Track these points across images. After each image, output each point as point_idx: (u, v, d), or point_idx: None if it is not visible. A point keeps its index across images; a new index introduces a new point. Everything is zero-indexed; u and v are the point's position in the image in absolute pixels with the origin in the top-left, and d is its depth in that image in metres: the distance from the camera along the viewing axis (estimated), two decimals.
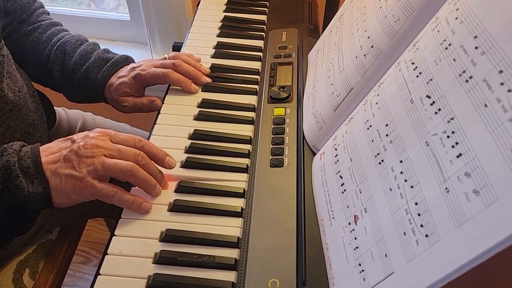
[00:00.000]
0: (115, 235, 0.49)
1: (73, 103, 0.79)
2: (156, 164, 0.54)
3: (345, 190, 0.46)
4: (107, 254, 0.47)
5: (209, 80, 0.71)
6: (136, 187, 0.53)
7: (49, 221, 0.73)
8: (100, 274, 0.45)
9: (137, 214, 0.51)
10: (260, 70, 0.75)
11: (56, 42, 0.73)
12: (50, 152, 0.52)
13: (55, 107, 0.81)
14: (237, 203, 0.52)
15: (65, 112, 0.86)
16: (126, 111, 0.72)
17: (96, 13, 1.28)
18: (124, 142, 0.53)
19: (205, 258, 0.46)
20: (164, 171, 0.55)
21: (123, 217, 0.51)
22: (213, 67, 0.74)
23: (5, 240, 0.61)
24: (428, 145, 0.36)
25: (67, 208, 0.53)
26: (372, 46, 0.51)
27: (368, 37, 0.52)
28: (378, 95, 0.46)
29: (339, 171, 0.48)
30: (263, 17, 0.88)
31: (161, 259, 0.46)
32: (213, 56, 0.77)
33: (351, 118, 0.50)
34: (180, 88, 0.70)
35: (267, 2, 0.92)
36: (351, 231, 0.43)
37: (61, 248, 0.75)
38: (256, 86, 0.71)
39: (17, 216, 0.51)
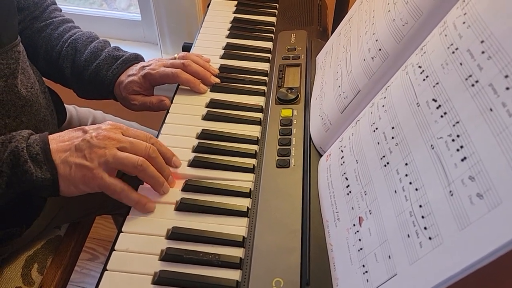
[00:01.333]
0: (122, 232, 0.50)
1: (83, 101, 0.80)
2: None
3: (350, 192, 0.46)
4: (114, 250, 0.48)
5: (217, 80, 0.72)
6: (145, 185, 0.54)
7: (58, 217, 0.74)
8: (107, 270, 0.46)
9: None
10: (268, 72, 0.75)
11: (67, 39, 0.74)
12: (61, 140, 0.52)
13: (65, 105, 0.82)
14: (243, 203, 0.53)
15: (75, 109, 0.88)
16: (135, 109, 0.73)
17: (108, 13, 1.30)
18: (135, 137, 0.54)
19: (210, 256, 0.47)
20: (172, 169, 0.56)
21: (131, 214, 0.52)
22: (222, 68, 0.75)
23: (13, 231, 0.61)
24: (433, 148, 0.36)
25: (76, 204, 0.54)
26: (380, 49, 0.51)
27: (376, 40, 0.53)
28: (385, 98, 0.46)
29: (344, 173, 0.49)
30: (272, 19, 0.89)
31: (167, 256, 0.47)
32: (222, 57, 0.78)
33: (358, 121, 0.51)
34: (189, 88, 0.70)
35: (276, 4, 0.93)
36: (355, 233, 0.43)
37: (69, 244, 0.76)
38: (264, 87, 0.72)
39: (24, 203, 0.52)
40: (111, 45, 0.76)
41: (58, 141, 0.52)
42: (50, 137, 0.53)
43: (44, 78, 0.74)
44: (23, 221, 0.58)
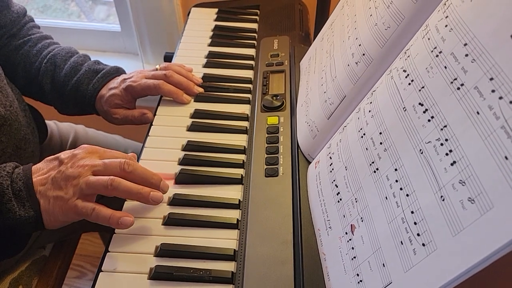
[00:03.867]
0: (109, 251, 0.48)
1: (64, 116, 0.78)
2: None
3: (341, 199, 0.46)
4: (101, 271, 0.46)
5: (201, 90, 0.71)
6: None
7: (42, 237, 0.72)
8: None
9: (131, 229, 0.50)
10: (252, 79, 0.74)
11: (46, 55, 0.73)
12: (40, 173, 0.51)
13: (46, 121, 0.80)
14: (233, 215, 0.52)
15: (56, 125, 0.86)
16: (117, 123, 0.71)
17: (87, 25, 1.28)
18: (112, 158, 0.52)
19: (201, 272, 0.45)
20: None
21: (117, 232, 0.50)
22: (205, 77, 0.74)
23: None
24: (422, 153, 0.36)
25: None
26: (363, 54, 0.51)
27: (359, 45, 0.52)
28: (371, 103, 0.46)
29: (334, 180, 0.48)
30: (254, 25, 0.88)
31: (156, 274, 0.45)
32: (205, 66, 0.77)
33: (345, 126, 0.50)
34: (172, 99, 0.69)
35: (258, 10, 0.93)
36: (348, 241, 0.42)
37: (54, 264, 0.74)
38: (249, 95, 0.71)
39: (8, 238, 0.50)
40: (91, 58, 0.75)
41: (38, 174, 0.51)
42: (33, 169, 0.51)
43: (24, 96, 0.72)
44: (5, 256, 0.56)
